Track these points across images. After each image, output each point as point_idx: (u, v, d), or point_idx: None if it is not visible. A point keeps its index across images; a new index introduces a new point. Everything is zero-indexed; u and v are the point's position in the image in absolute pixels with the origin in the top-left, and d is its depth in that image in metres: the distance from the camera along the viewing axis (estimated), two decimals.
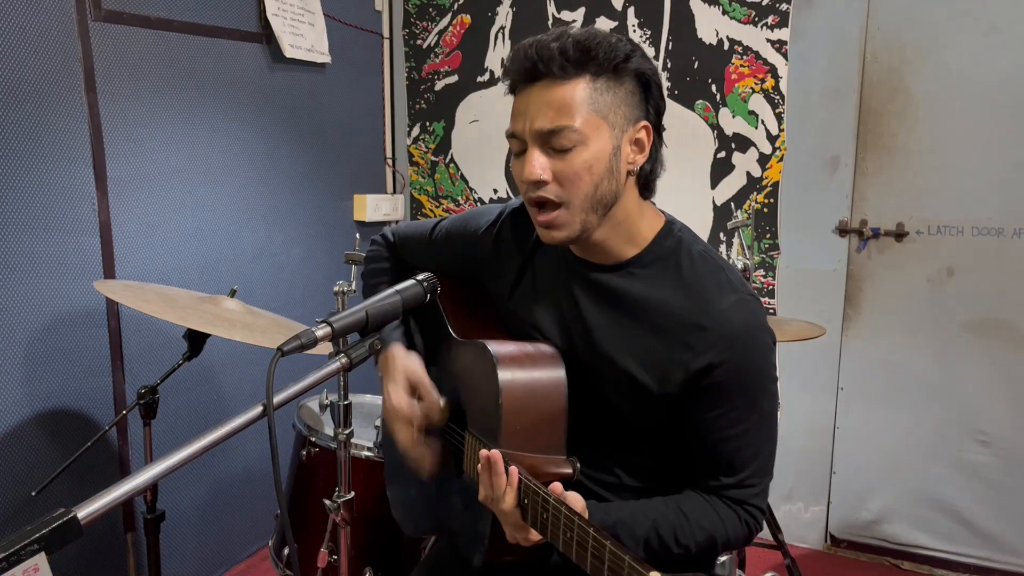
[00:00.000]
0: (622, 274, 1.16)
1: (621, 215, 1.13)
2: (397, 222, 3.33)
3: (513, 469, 1.03)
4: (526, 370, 1.13)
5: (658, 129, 1.14)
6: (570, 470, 1.11)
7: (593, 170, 1.07)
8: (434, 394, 1.23)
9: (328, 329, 1.00)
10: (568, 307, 1.21)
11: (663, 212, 1.22)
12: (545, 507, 0.97)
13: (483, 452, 1.05)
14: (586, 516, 1.02)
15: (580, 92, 1.06)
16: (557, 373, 1.15)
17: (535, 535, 1.02)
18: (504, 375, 1.10)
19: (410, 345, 1.39)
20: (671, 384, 1.10)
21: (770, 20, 2.67)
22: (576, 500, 1.02)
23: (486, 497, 1.06)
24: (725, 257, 2.82)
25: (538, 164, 1.08)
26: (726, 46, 2.75)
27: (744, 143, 2.77)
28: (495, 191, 3.22)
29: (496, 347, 1.14)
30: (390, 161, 3.36)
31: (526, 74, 1.08)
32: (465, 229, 1.35)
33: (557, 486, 1.01)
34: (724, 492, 1.13)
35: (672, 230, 1.18)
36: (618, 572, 0.85)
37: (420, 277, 1.15)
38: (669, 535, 1.10)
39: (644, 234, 1.16)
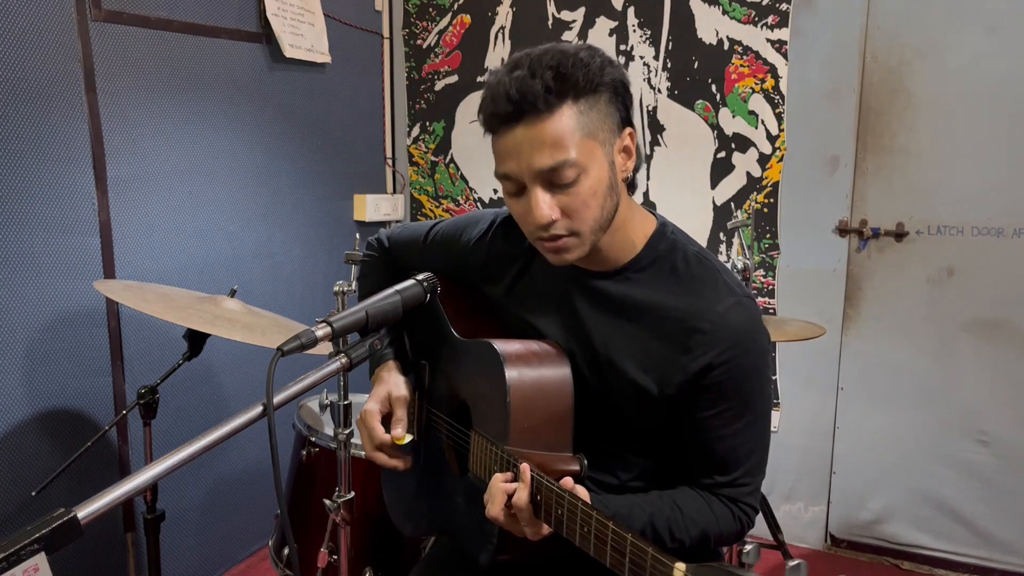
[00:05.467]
0: (619, 279, 1.17)
1: (618, 222, 1.13)
2: (398, 222, 3.34)
3: (525, 465, 1.03)
4: (533, 368, 1.13)
5: (632, 124, 1.14)
6: (577, 467, 1.12)
7: (598, 194, 1.07)
8: (400, 429, 1.28)
9: (328, 329, 1.00)
10: (567, 314, 1.21)
11: (652, 213, 1.22)
12: (560, 502, 0.98)
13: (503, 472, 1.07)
14: None
15: (567, 120, 1.03)
16: (563, 370, 1.15)
17: (546, 529, 1.02)
18: (511, 373, 1.10)
19: (401, 353, 1.40)
20: (671, 386, 1.11)
21: (770, 20, 2.68)
22: (583, 494, 1.02)
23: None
24: (725, 257, 2.83)
25: (545, 205, 1.05)
26: (726, 46, 2.75)
27: (744, 143, 2.77)
28: (495, 191, 3.22)
29: (502, 346, 1.14)
30: (390, 161, 3.36)
31: (511, 115, 1.04)
32: (459, 238, 1.35)
33: (568, 481, 1.01)
34: (718, 490, 1.14)
35: (665, 232, 1.18)
36: (641, 565, 0.85)
37: (420, 277, 1.15)
38: (664, 529, 1.10)
39: (638, 238, 1.17)
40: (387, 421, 1.30)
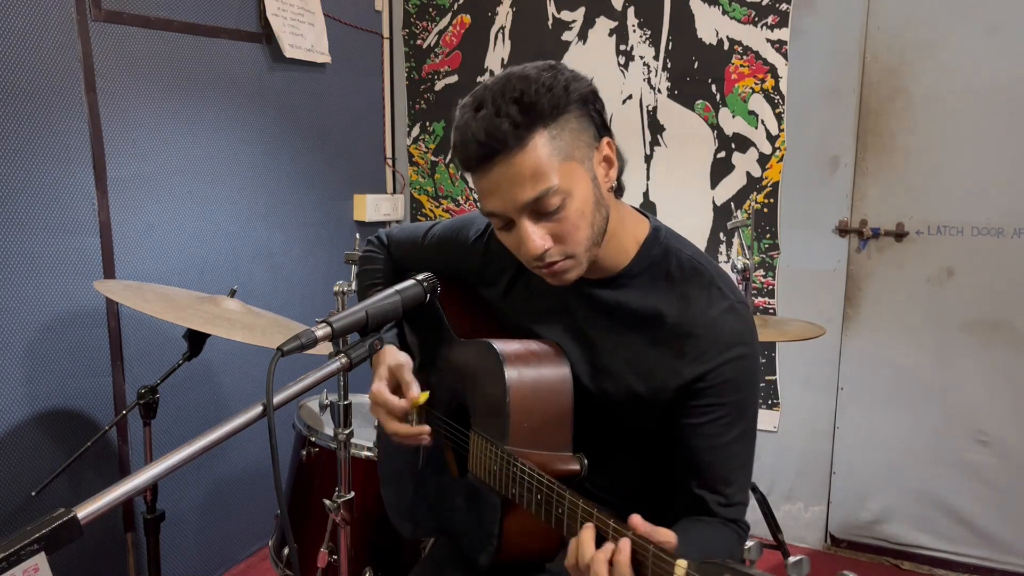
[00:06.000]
0: (614, 286, 1.17)
1: (610, 231, 1.12)
2: (398, 222, 3.34)
3: (625, 542, 0.89)
4: (532, 368, 1.13)
5: (609, 130, 1.11)
6: (577, 467, 1.12)
7: (586, 214, 1.06)
8: (415, 388, 1.23)
9: (328, 329, 1.00)
10: (564, 320, 1.21)
11: (644, 215, 1.21)
12: (560, 502, 0.98)
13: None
14: None
15: (541, 150, 1.01)
16: (562, 370, 1.15)
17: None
18: (511, 373, 1.10)
19: (403, 345, 1.40)
20: (666, 392, 1.12)
21: (770, 20, 2.68)
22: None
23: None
24: (725, 258, 2.83)
25: (536, 236, 1.05)
26: (726, 46, 2.75)
27: (744, 143, 2.77)
28: None
29: (501, 346, 1.14)
30: (390, 161, 3.36)
31: (483, 157, 1.02)
32: (456, 238, 1.34)
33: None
34: (721, 513, 1.14)
35: (658, 237, 1.17)
36: (642, 562, 0.85)
37: (420, 277, 1.15)
38: None
39: (630, 244, 1.16)
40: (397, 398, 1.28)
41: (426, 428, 1.23)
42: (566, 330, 1.20)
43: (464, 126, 1.03)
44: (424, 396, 1.24)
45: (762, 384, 2.83)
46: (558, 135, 1.03)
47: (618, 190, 1.16)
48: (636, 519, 0.90)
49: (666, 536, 0.89)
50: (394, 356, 1.27)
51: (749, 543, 0.88)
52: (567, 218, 1.04)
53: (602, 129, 1.09)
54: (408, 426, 1.23)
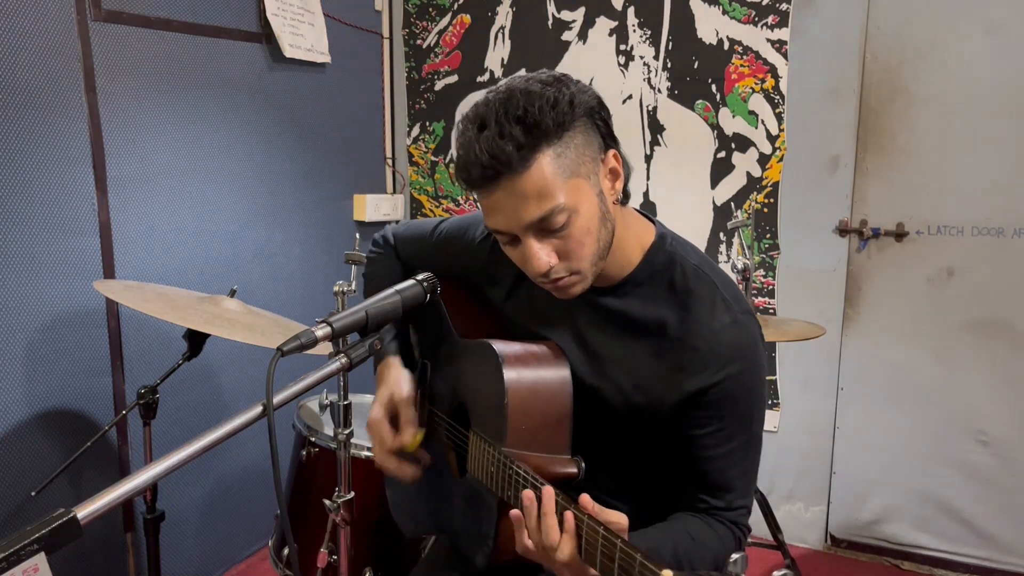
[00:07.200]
0: (619, 294, 1.16)
1: (615, 239, 1.12)
2: (397, 222, 3.34)
3: (569, 515, 0.95)
4: (532, 369, 1.13)
5: (616, 139, 1.09)
6: (575, 470, 1.11)
7: (592, 229, 1.04)
8: (410, 429, 1.26)
9: (328, 329, 1.00)
10: (566, 324, 1.21)
11: (651, 220, 1.20)
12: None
13: (530, 494, 0.98)
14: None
15: (547, 168, 0.99)
16: (562, 372, 1.15)
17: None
18: (510, 375, 1.10)
19: (405, 348, 1.40)
20: (666, 404, 1.11)
21: (770, 20, 2.68)
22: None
23: (535, 546, 0.98)
24: (725, 258, 2.83)
25: (542, 253, 1.04)
26: (726, 46, 2.75)
27: (744, 143, 2.77)
28: None
29: (501, 346, 1.14)
30: (390, 161, 3.36)
31: (488, 179, 1.01)
32: (463, 236, 1.34)
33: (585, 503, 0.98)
34: (718, 513, 1.14)
35: (664, 244, 1.16)
36: (629, 571, 0.84)
37: (420, 277, 1.15)
38: (685, 560, 1.10)
39: (635, 251, 1.15)
40: (395, 425, 1.30)
41: (409, 472, 1.28)
42: (568, 334, 1.20)
43: (467, 144, 1.02)
44: (418, 439, 1.26)
45: None
46: (563, 152, 1.01)
47: (623, 198, 1.14)
48: (584, 499, 0.95)
49: (617, 517, 0.94)
50: (399, 383, 1.29)
51: (735, 555, 0.88)
52: (572, 235, 1.03)
53: (608, 139, 1.07)
54: (396, 462, 1.27)
